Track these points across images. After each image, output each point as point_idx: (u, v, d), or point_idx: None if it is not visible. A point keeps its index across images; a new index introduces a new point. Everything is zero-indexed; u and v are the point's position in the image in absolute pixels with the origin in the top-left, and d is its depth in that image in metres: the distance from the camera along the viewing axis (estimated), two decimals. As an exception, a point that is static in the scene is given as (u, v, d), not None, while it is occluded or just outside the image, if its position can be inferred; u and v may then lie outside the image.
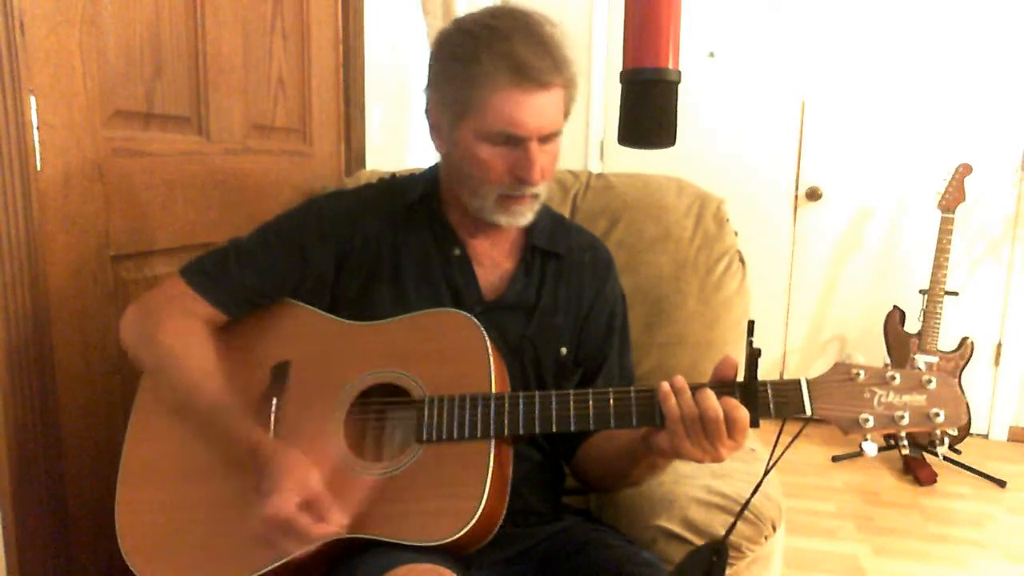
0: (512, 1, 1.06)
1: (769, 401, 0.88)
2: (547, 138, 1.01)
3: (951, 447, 2.88)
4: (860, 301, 3.37)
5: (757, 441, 1.32)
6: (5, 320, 1.04)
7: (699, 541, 1.06)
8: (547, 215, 1.18)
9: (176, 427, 1.02)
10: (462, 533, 0.88)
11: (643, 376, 1.36)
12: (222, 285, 1.06)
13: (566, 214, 1.50)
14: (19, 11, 1.00)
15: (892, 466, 2.94)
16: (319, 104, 1.76)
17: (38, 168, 1.06)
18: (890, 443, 2.91)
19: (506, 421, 0.93)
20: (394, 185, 1.17)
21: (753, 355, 0.87)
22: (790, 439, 0.87)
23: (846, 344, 3.43)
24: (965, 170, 2.85)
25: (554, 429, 0.93)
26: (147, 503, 0.99)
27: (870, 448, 0.86)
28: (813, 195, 3.35)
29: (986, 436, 3.30)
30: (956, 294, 2.93)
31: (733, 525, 0.91)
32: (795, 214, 3.41)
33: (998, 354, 3.24)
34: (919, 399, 0.85)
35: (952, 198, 2.84)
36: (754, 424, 0.87)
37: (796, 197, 3.39)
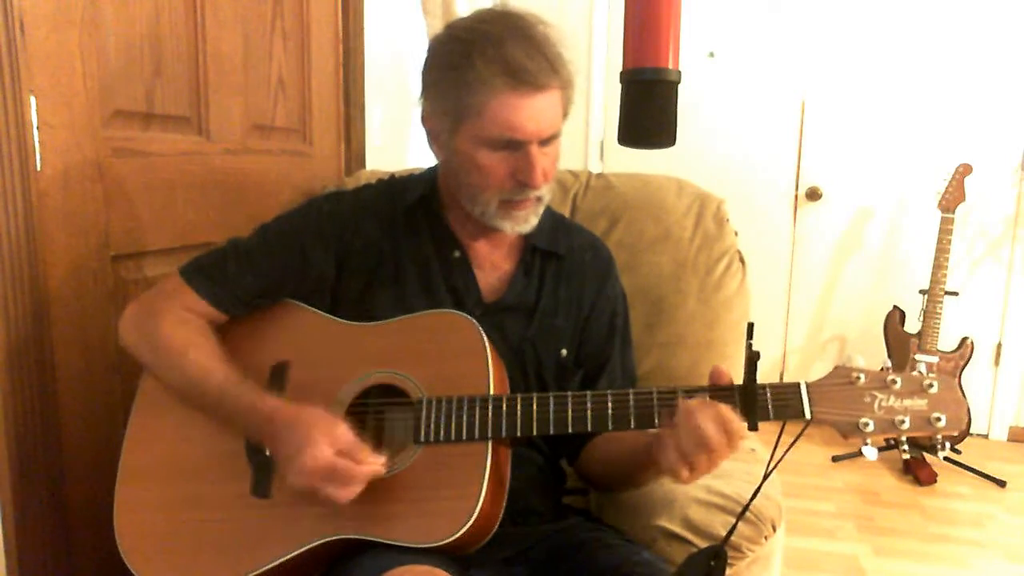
0: (508, 2, 1.06)
1: (768, 405, 0.87)
2: (547, 140, 1.00)
3: (952, 447, 2.88)
4: (860, 301, 3.37)
5: (757, 441, 1.32)
6: (5, 320, 1.04)
7: (699, 541, 1.06)
8: (547, 215, 1.17)
9: (176, 427, 1.03)
10: (459, 534, 0.88)
11: (643, 376, 1.36)
12: (221, 285, 1.06)
13: (566, 214, 1.50)
14: (19, 11, 1.00)
15: (892, 466, 2.94)
16: (319, 104, 1.76)
17: (38, 168, 1.06)
18: (889, 443, 2.91)
19: (504, 423, 0.93)
20: (394, 186, 1.17)
21: (752, 358, 0.86)
22: (790, 442, 0.87)
23: (846, 344, 3.43)
24: (965, 170, 2.85)
25: (551, 431, 0.93)
26: (146, 503, 0.99)
27: (870, 452, 0.86)
28: (813, 195, 3.35)
29: (986, 436, 3.30)
30: (956, 294, 2.92)
31: (733, 528, 0.91)
32: (795, 214, 3.41)
33: (998, 354, 3.24)
34: (920, 403, 0.85)
35: (952, 198, 2.84)
36: (752, 428, 0.86)
37: (796, 197, 3.39)
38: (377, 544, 0.89)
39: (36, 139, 1.05)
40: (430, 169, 1.16)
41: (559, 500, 1.18)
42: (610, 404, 0.92)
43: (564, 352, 1.12)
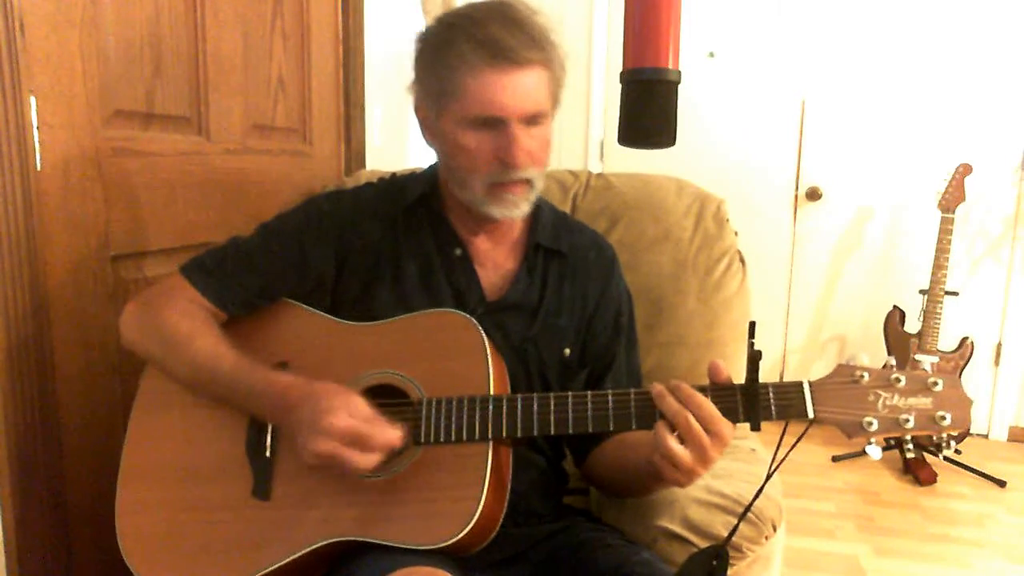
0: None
1: (771, 404, 0.86)
2: (532, 120, 0.98)
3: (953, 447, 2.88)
4: (860, 301, 3.37)
5: (758, 441, 1.32)
6: (5, 320, 1.03)
7: (699, 541, 1.06)
8: (550, 212, 1.17)
9: (176, 428, 1.02)
10: (460, 536, 0.87)
11: (643, 376, 1.35)
12: (221, 282, 1.06)
13: (566, 214, 1.49)
14: (19, 11, 1.00)
15: (892, 466, 2.94)
16: (319, 104, 1.76)
17: (38, 168, 1.06)
18: (890, 443, 2.91)
19: (504, 423, 0.92)
20: (394, 185, 1.16)
21: (754, 357, 0.86)
22: (792, 442, 0.86)
23: (846, 344, 3.43)
24: (965, 170, 2.85)
25: (552, 432, 0.92)
26: (147, 503, 0.99)
27: (874, 452, 0.85)
28: (813, 195, 3.35)
29: (986, 436, 3.30)
30: (956, 294, 2.92)
31: (734, 530, 0.91)
32: (795, 214, 3.41)
33: (998, 354, 3.24)
34: (925, 401, 0.84)
35: (952, 198, 2.84)
36: (755, 428, 0.86)
37: (796, 197, 3.39)
38: (378, 546, 0.89)
39: (36, 139, 1.05)
40: (431, 167, 1.16)
41: (560, 500, 1.18)
42: (611, 404, 0.91)
43: (567, 352, 1.11)
